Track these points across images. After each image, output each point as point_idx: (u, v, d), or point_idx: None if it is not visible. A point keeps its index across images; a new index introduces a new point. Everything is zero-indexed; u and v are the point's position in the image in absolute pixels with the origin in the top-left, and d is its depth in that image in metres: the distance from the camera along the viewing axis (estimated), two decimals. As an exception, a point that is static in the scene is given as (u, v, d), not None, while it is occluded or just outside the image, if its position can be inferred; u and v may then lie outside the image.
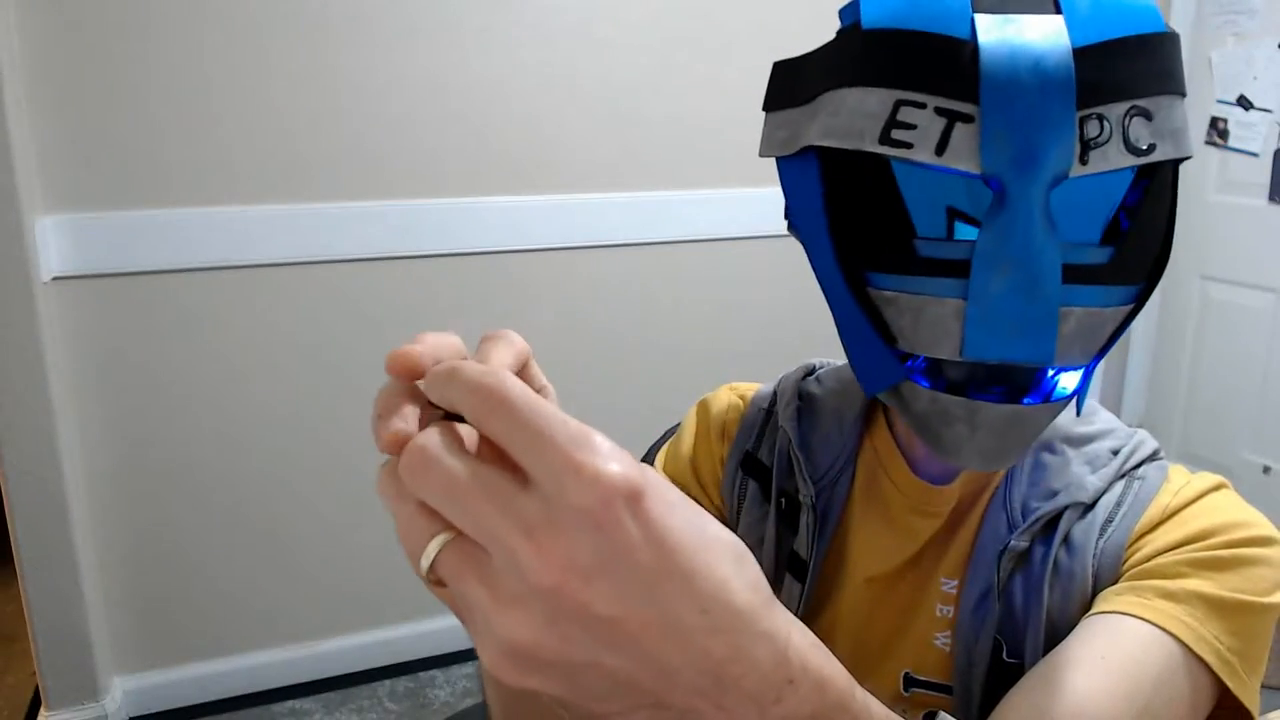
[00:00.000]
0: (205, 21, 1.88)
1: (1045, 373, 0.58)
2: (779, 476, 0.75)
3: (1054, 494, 0.65)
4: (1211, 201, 2.85)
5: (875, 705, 0.37)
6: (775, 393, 0.80)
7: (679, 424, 0.87)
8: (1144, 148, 0.54)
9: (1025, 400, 0.58)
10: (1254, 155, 2.70)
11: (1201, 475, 0.67)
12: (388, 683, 2.26)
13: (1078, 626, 0.60)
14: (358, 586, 2.23)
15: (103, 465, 1.99)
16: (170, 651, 2.12)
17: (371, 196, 2.07)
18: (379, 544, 2.22)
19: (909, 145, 0.55)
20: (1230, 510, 0.63)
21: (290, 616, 2.20)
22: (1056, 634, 0.62)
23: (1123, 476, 0.66)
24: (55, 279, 1.87)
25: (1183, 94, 0.57)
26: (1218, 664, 0.58)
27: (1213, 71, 2.76)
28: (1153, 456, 0.68)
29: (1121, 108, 0.54)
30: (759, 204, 2.32)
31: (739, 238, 2.37)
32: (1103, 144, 0.54)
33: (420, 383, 0.35)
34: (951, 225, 0.63)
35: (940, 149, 0.54)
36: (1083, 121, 0.53)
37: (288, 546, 2.16)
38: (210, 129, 1.93)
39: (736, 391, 0.83)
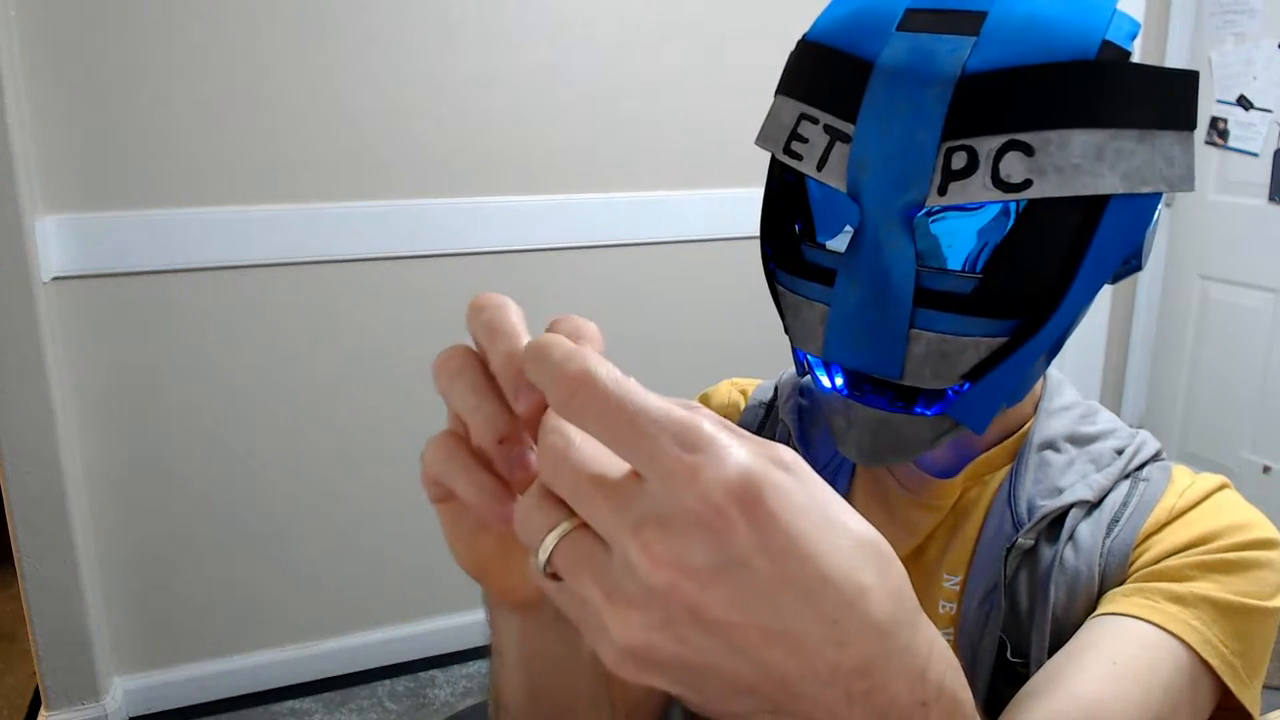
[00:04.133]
0: (205, 21, 1.88)
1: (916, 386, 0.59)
2: None
3: (1059, 492, 0.65)
4: (1211, 201, 2.84)
5: None
6: (776, 388, 0.80)
7: None
8: (1016, 183, 0.52)
9: (890, 406, 0.60)
10: (1254, 155, 2.70)
11: (1205, 476, 0.67)
12: (387, 683, 2.26)
13: (1084, 627, 0.60)
14: (358, 586, 2.23)
15: (102, 465, 1.99)
16: (170, 651, 2.12)
17: (372, 196, 2.07)
18: (379, 544, 2.22)
19: (800, 157, 0.59)
20: (1235, 511, 0.63)
21: (290, 616, 2.20)
22: (1061, 633, 0.62)
23: (1127, 476, 0.66)
24: (55, 279, 1.87)
25: (1098, 126, 0.53)
26: (1222, 668, 0.58)
27: (1212, 72, 2.76)
28: (1155, 457, 0.68)
29: (995, 141, 0.52)
30: (758, 204, 2.31)
31: (738, 238, 2.37)
32: (966, 176, 0.53)
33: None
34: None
35: (820, 165, 0.57)
36: (949, 152, 0.53)
37: (288, 546, 2.16)
38: (210, 129, 1.93)
39: (737, 386, 0.83)
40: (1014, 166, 0.52)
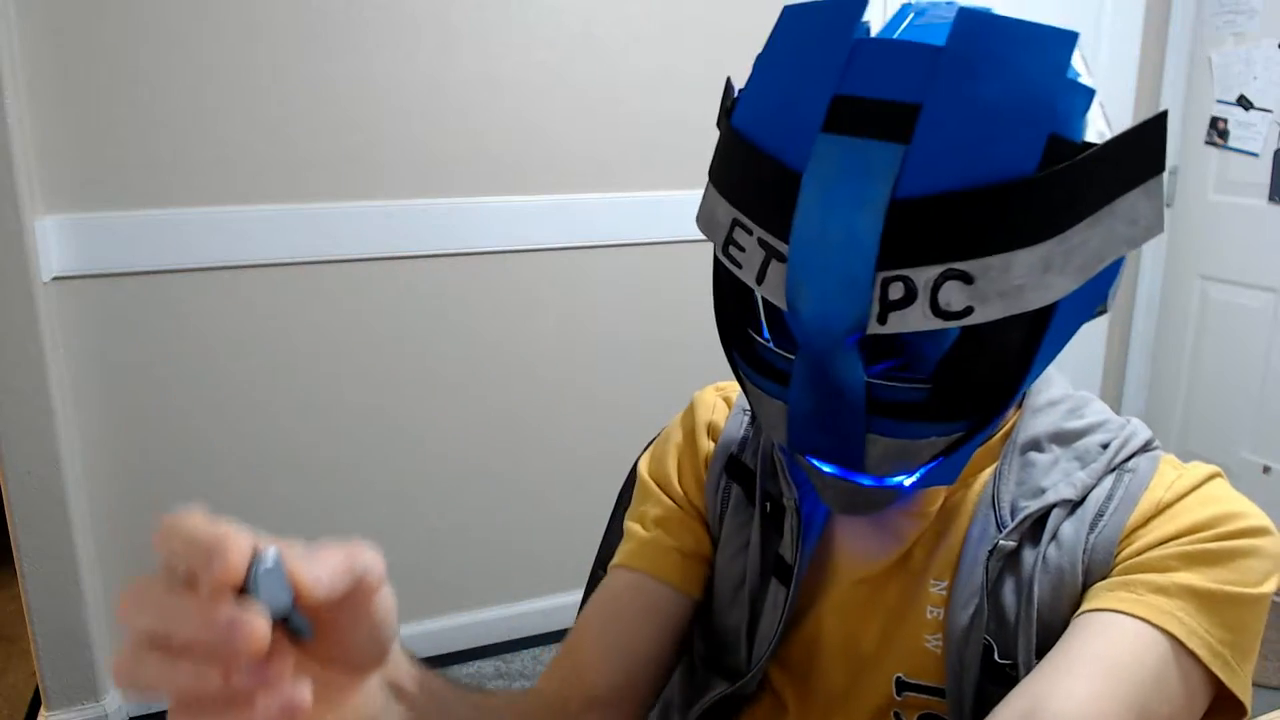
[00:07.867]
0: (205, 21, 1.88)
1: None
2: (763, 479, 0.74)
3: (1042, 492, 0.65)
4: (1211, 201, 2.84)
5: None
6: None
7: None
8: (956, 311, 0.50)
9: (861, 480, 0.61)
10: (1254, 155, 2.70)
11: (1194, 466, 0.66)
12: (388, 682, 2.26)
13: (1071, 625, 0.60)
14: (358, 586, 2.22)
15: (102, 465, 1.99)
16: (170, 651, 2.12)
17: (371, 196, 2.07)
18: (376, 544, 2.21)
19: (740, 265, 0.57)
20: (1223, 502, 0.63)
21: (290, 616, 2.20)
22: (1048, 633, 0.61)
23: (1113, 470, 0.66)
24: (55, 279, 1.87)
25: (1042, 239, 0.50)
26: (1210, 658, 0.58)
27: (1213, 71, 2.76)
28: (1145, 447, 0.67)
29: (933, 271, 0.50)
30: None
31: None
32: (904, 307, 0.51)
33: None
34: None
35: (760, 278, 0.56)
36: (886, 283, 0.51)
37: (288, 546, 2.16)
38: (210, 129, 1.93)
39: (721, 392, 0.83)
40: (953, 295, 0.50)
